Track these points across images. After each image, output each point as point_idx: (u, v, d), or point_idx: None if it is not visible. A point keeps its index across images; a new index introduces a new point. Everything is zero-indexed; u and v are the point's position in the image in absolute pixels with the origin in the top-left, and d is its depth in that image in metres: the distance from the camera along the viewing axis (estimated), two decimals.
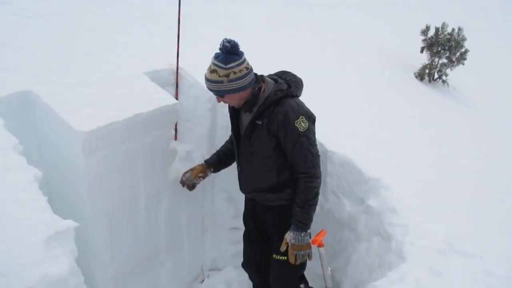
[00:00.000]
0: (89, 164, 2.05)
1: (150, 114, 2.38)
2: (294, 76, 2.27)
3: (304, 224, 2.19)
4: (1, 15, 2.81)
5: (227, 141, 2.62)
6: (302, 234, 2.19)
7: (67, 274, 1.44)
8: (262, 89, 2.16)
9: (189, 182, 2.60)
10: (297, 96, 2.20)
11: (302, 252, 2.22)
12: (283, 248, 2.25)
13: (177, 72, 2.98)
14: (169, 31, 3.25)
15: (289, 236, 2.22)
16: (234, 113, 2.29)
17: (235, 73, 2.00)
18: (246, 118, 2.24)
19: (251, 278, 2.84)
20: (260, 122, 2.14)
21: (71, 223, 1.57)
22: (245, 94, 2.10)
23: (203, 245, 3.39)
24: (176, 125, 2.97)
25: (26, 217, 1.51)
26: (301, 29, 6.01)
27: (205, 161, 2.61)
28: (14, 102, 2.07)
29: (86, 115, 2.06)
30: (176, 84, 3.01)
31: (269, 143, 2.16)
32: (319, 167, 2.20)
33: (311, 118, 2.17)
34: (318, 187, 2.20)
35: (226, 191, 3.21)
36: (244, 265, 2.75)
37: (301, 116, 2.09)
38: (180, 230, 3.02)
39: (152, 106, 2.41)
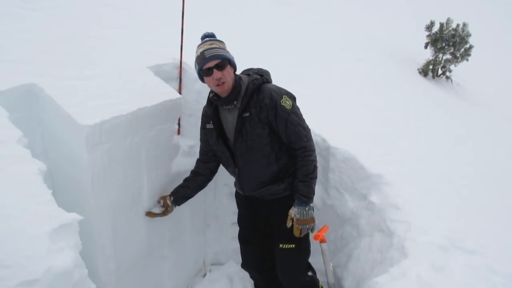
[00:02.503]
0: (93, 158, 2.05)
1: (154, 108, 2.38)
2: (260, 68, 2.35)
3: (307, 198, 2.23)
4: (2, 8, 2.80)
5: (192, 170, 2.58)
6: (306, 208, 2.24)
7: (71, 267, 1.44)
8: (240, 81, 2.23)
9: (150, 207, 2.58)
10: (271, 82, 2.30)
11: (307, 226, 2.27)
12: (288, 224, 2.28)
13: (180, 66, 2.98)
14: (172, 25, 3.24)
15: (293, 211, 2.26)
16: (215, 120, 2.29)
17: (224, 47, 2.16)
18: (231, 117, 2.26)
19: (252, 277, 2.84)
20: (247, 114, 2.18)
21: (75, 216, 1.57)
22: (233, 73, 2.18)
23: (205, 240, 3.41)
24: (179, 119, 2.97)
25: (30, 210, 1.51)
26: (305, 23, 5.98)
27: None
28: (18, 95, 2.07)
29: (90, 109, 2.06)
30: (179, 78, 3.00)
31: (262, 132, 2.19)
32: (312, 140, 2.28)
33: (292, 97, 2.25)
34: (315, 160, 2.26)
35: (229, 186, 3.21)
36: (244, 265, 2.75)
37: (284, 96, 2.18)
38: (183, 224, 3.03)
39: (155, 100, 2.41)
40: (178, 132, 3.00)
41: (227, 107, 2.24)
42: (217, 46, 2.11)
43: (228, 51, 2.16)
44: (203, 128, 2.42)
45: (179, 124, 3.00)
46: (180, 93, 2.93)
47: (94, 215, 2.16)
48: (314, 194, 2.27)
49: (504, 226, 2.64)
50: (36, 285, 1.32)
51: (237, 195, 2.61)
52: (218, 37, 2.21)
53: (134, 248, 2.54)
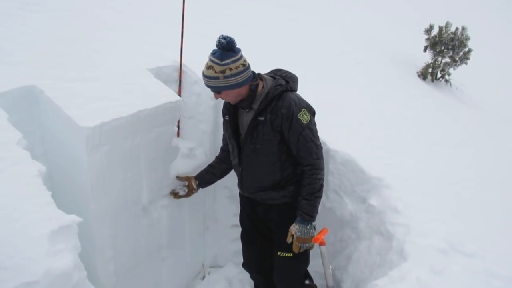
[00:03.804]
0: (93, 160, 2.05)
1: (154, 111, 2.38)
2: (289, 72, 2.30)
3: (310, 216, 2.22)
4: (6, 10, 2.82)
5: (216, 156, 2.66)
6: (308, 227, 2.23)
7: (70, 269, 1.44)
8: (260, 87, 2.19)
9: (175, 186, 2.70)
10: (295, 90, 2.25)
11: (307, 244, 2.27)
12: (289, 240, 2.27)
13: (180, 69, 2.98)
14: (172, 28, 3.25)
15: (294, 228, 2.24)
16: (232, 115, 2.30)
17: (231, 69, 2.02)
18: (246, 116, 2.25)
19: (252, 277, 2.85)
20: (262, 118, 2.15)
21: (74, 218, 1.57)
22: (242, 90, 2.13)
23: (204, 242, 3.41)
24: (178, 122, 2.97)
25: (30, 211, 1.51)
26: (305, 26, 6.00)
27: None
28: (18, 97, 2.07)
29: (90, 111, 2.06)
30: (179, 80, 3.01)
31: (273, 139, 2.17)
32: (323, 158, 2.25)
33: (311, 111, 2.22)
34: (322, 179, 2.24)
35: (228, 188, 3.21)
36: (245, 265, 2.76)
37: (303, 109, 2.14)
38: (182, 226, 3.02)
39: (155, 102, 2.41)
40: (178, 135, 3.01)
41: (243, 110, 2.25)
42: (212, 75, 2.03)
43: (228, 76, 2.02)
44: (223, 117, 2.42)
45: (178, 127, 3.00)
46: (179, 95, 2.93)
47: (93, 217, 2.15)
48: (317, 213, 2.26)
49: (504, 229, 2.64)
50: (35, 287, 1.32)
51: (240, 194, 2.62)
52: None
53: (133, 250, 2.53)
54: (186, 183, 2.65)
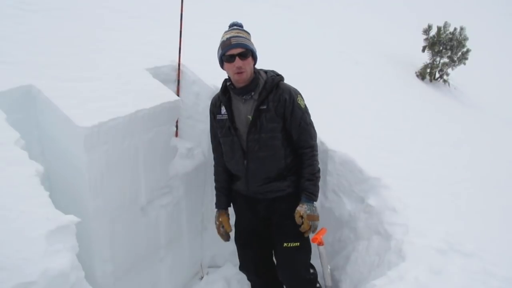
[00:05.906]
0: (91, 160, 2.05)
1: (152, 111, 2.38)
2: (275, 71, 2.40)
3: (314, 195, 2.30)
4: (4, 9, 2.81)
5: (216, 173, 2.52)
6: (314, 205, 2.30)
7: (68, 269, 1.44)
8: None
9: (226, 234, 2.55)
10: None
11: (316, 222, 2.33)
12: (299, 220, 2.27)
13: (178, 68, 2.98)
14: (170, 27, 3.25)
15: (302, 208, 2.26)
16: (229, 111, 2.27)
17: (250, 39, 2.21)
18: (244, 108, 2.25)
19: (249, 279, 2.83)
20: (265, 107, 2.22)
21: (72, 218, 1.57)
22: (252, 65, 2.23)
23: (202, 242, 3.40)
24: (177, 122, 2.97)
25: (27, 212, 1.51)
26: (304, 27, 6.01)
27: (219, 207, 2.54)
28: (16, 97, 2.07)
29: (88, 110, 2.06)
30: (177, 80, 3.00)
31: (277, 126, 2.24)
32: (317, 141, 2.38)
33: (303, 98, 2.34)
34: (318, 160, 2.36)
35: None
36: (242, 267, 2.73)
37: (298, 95, 2.29)
38: (180, 226, 3.02)
39: (153, 102, 2.41)
40: (176, 134, 3.00)
41: (244, 97, 2.24)
42: (244, 36, 2.16)
43: (252, 43, 2.21)
44: (213, 119, 2.36)
45: (177, 126, 3.00)
46: (178, 95, 2.93)
47: (91, 217, 2.15)
48: (318, 192, 2.34)
49: (502, 229, 2.65)
50: (33, 287, 1.31)
51: (237, 196, 2.52)
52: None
53: (131, 251, 2.53)
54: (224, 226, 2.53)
